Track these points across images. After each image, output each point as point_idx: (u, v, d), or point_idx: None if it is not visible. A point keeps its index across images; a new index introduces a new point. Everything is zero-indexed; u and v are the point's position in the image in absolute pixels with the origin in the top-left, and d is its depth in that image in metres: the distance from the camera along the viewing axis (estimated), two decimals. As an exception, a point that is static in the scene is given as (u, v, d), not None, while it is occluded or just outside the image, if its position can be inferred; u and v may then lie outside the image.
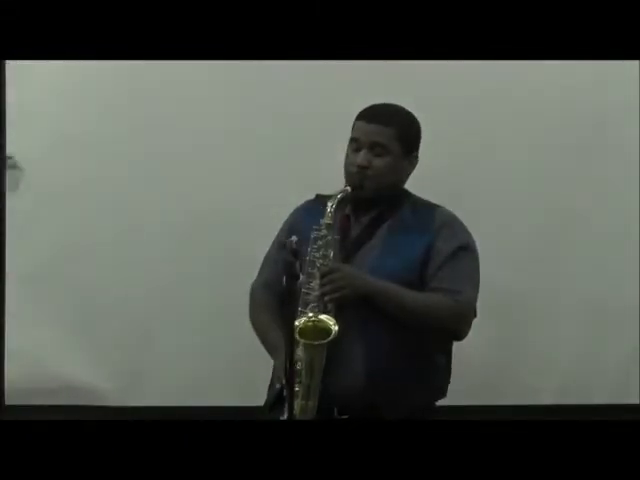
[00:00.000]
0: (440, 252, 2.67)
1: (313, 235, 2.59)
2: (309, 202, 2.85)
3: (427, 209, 2.77)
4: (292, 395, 2.34)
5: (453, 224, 2.74)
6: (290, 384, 2.32)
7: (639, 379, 3.47)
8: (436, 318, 2.66)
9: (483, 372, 3.47)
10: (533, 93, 3.46)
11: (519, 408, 3.45)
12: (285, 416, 2.48)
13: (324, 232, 2.60)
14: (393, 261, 2.65)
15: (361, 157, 2.68)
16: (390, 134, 2.70)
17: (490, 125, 3.46)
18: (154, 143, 3.46)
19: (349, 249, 2.69)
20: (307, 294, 2.59)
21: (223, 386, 3.42)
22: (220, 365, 3.43)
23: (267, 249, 2.86)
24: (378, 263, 2.65)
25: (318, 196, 2.82)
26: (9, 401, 3.43)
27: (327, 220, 2.60)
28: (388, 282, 2.63)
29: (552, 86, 3.44)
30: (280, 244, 2.77)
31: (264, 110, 3.42)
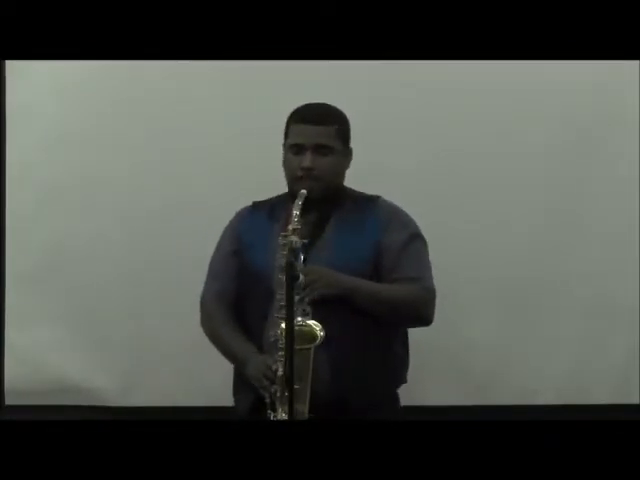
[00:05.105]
0: (394, 243, 2.72)
1: (281, 242, 2.57)
2: (247, 209, 2.87)
3: (368, 202, 2.80)
4: (292, 397, 2.35)
5: (399, 214, 2.79)
6: (290, 387, 2.34)
7: (639, 379, 3.47)
8: (410, 307, 2.72)
9: (482, 372, 3.47)
10: (533, 93, 3.45)
11: (518, 408, 3.45)
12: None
13: (292, 238, 2.55)
14: (345, 258, 2.67)
15: (307, 160, 2.69)
16: (332, 133, 2.73)
17: (491, 124, 3.45)
18: (154, 142, 3.45)
19: None
20: (281, 299, 2.56)
21: (222, 386, 3.42)
22: (220, 365, 3.42)
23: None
24: (330, 262, 2.66)
25: (255, 203, 2.86)
26: (9, 401, 3.43)
27: (294, 225, 2.56)
28: (360, 279, 2.66)
29: (552, 86, 3.44)
30: (228, 252, 2.82)
31: (265, 110, 3.42)
